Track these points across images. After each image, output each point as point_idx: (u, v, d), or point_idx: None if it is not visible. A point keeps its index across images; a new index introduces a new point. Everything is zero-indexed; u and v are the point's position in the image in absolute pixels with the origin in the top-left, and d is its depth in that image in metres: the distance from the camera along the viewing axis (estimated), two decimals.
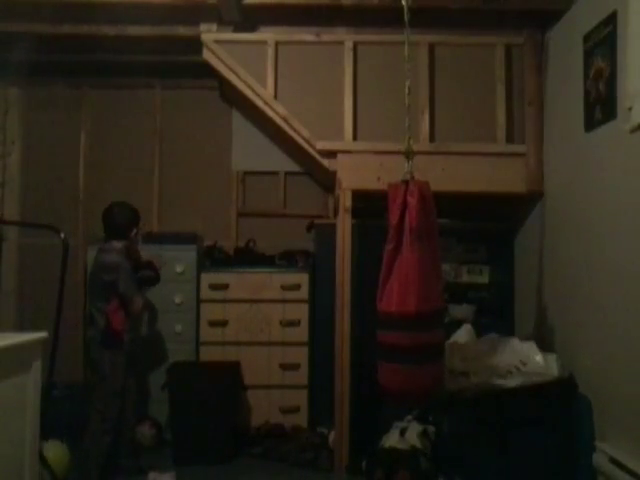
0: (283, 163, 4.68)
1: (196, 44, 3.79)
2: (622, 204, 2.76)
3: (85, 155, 4.73)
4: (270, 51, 3.79)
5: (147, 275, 3.63)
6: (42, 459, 2.75)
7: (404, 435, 3.37)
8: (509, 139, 3.76)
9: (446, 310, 4.06)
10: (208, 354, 4.16)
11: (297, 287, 4.18)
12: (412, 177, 2.58)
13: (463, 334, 3.53)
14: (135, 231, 3.57)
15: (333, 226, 3.89)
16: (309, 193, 4.73)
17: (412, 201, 2.49)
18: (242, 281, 4.20)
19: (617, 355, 2.76)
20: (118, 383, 3.36)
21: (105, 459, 3.33)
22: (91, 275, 3.51)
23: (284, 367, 4.15)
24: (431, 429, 3.41)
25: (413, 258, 2.49)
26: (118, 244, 3.46)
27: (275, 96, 3.79)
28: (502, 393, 2.93)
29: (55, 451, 3.31)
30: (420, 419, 3.49)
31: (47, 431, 2.76)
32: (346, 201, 3.70)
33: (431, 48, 3.78)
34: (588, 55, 3.09)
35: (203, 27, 3.80)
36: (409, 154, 2.60)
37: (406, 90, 2.59)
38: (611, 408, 2.81)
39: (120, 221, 3.50)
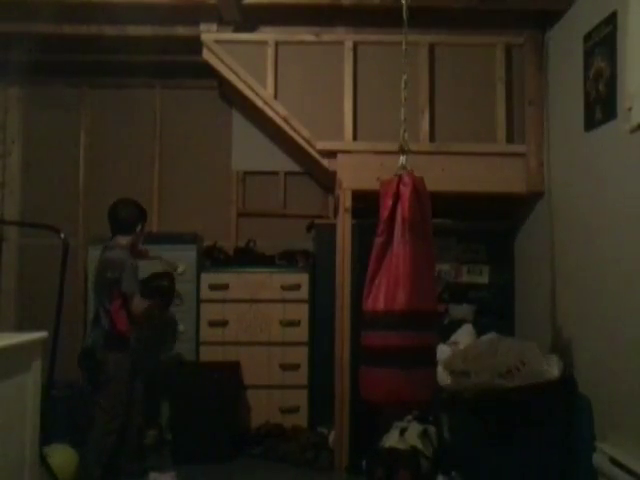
0: (283, 163, 4.68)
1: (196, 44, 3.79)
2: (622, 204, 2.75)
3: (85, 155, 4.73)
4: (270, 51, 3.79)
5: (161, 285, 3.59)
6: (43, 461, 2.75)
7: (404, 435, 3.37)
8: (509, 139, 3.76)
9: (445, 312, 4.07)
10: (208, 354, 4.16)
11: (297, 287, 4.18)
12: (405, 170, 2.46)
13: (463, 334, 3.53)
14: (140, 227, 3.53)
15: (333, 226, 3.90)
16: (309, 193, 4.73)
17: (405, 191, 2.34)
18: (242, 281, 4.20)
19: (617, 355, 2.76)
20: (123, 384, 3.32)
21: (108, 459, 3.30)
22: (96, 273, 3.46)
23: (284, 367, 4.15)
24: (431, 429, 3.41)
25: (405, 252, 2.30)
26: (122, 240, 3.42)
27: (275, 96, 3.80)
28: (502, 393, 2.93)
29: (62, 455, 3.29)
30: (420, 419, 3.49)
31: (47, 431, 2.76)
32: (346, 201, 3.70)
33: (431, 48, 3.78)
34: (588, 55, 3.08)
35: (203, 27, 3.80)
36: (404, 148, 2.54)
37: (402, 84, 2.57)
38: (611, 408, 2.81)
39: (124, 216, 3.45)
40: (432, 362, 2.41)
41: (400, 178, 2.39)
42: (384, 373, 2.31)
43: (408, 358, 2.27)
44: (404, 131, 2.53)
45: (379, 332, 2.32)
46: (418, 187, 2.39)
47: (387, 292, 2.29)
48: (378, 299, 2.31)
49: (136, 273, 3.38)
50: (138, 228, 3.52)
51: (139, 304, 3.33)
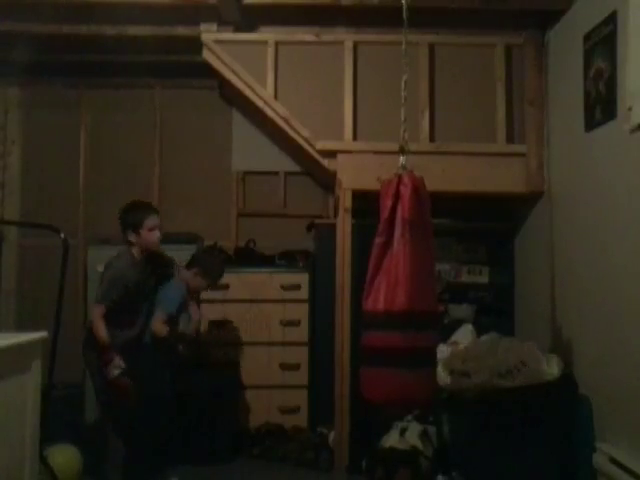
0: (283, 163, 4.68)
1: (196, 44, 3.79)
2: (622, 204, 2.76)
3: (85, 155, 4.72)
4: (270, 51, 3.79)
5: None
6: (43, 461, 2.74)
7: (404, 435, 3.37)
8: (509, 139, 3.76)
9: (445, 312, 4.07)
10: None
11: (297, 287, 4.18)
12: (405, 170, 2.45)
13: (463, 334, 3.53)
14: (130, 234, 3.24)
15: (333, 226, 3.89)
16: (309, 193, 4.72)
17: (405, 191, 2.34)
18: (242, 281, 4.20)
19: (617, 355, 2.76)
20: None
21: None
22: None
23: (284, 367, 4.15)
24: (431, 429, 3.41)
25: (405, 252, 2.30)
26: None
27: (275, 96, 3.79)
28: (502, 393, 2.93)
29: (66, 455, 3.27)
30: (420, 419, 3.49)
31: (47, 432, 2.76)
32: (346, 201, 3.70)
33: (431, 48, 3.79)
34: (588, 55, 3.09)
35: (203, 27, 3.80)
36: (404, 148, 2.54)
37: (402, 84, 2.57)
38: (611, 408, 2.81)
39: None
40: (432, 363, 2.41)
41: (400, 178, 2.40)
42: (384, 373, 2.32)
43: (408, 358, 2.27)
44: (404, 131, 2.53)
45: (379, 332, 2.32)
46: (418, 187, 2.39)
47: (387, 292, 2.30)
48: (378, 299, 2.32)
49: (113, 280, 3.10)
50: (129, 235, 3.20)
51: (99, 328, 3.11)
